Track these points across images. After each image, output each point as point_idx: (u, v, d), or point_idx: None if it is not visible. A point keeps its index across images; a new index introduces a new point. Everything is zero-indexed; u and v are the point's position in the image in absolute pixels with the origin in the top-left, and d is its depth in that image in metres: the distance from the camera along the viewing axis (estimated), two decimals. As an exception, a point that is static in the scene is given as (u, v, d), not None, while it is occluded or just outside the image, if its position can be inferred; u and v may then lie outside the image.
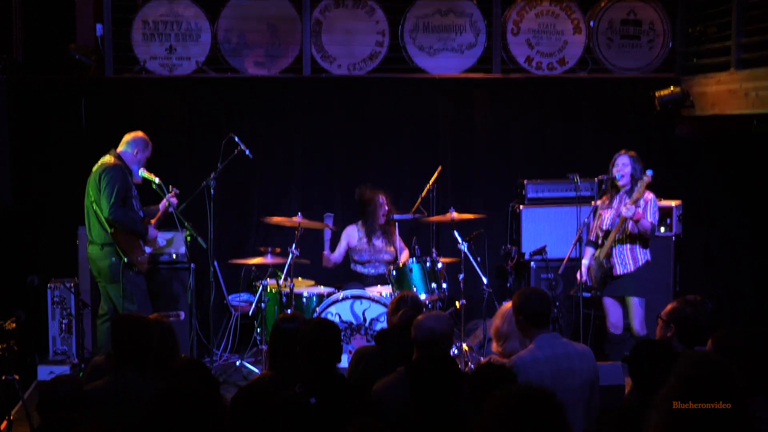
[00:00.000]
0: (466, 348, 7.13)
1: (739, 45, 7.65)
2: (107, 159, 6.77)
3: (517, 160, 8.58)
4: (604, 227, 6.69)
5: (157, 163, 7.35)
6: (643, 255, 6.66)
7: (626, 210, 6.37)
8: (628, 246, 6.63)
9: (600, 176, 7.42)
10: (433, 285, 7.01)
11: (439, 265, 7.08)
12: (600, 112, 8.60)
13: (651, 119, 8.45)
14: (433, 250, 7.38)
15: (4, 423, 5.58)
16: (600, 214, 6.79)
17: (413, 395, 3.71)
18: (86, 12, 8.25)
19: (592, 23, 8.63)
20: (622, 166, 6.59)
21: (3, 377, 5.63)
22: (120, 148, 6.86)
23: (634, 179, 6.57)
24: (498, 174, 8.55)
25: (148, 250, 6.82)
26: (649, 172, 6.40)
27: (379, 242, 7.64)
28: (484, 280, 7.17)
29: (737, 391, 2.71)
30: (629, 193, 6.58)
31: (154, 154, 7.99)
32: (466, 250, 7.14)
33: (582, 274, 6.81)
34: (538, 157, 8.59)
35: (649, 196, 6.55)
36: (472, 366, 6.94)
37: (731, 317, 7.60)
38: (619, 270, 6.63)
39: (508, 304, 4.68)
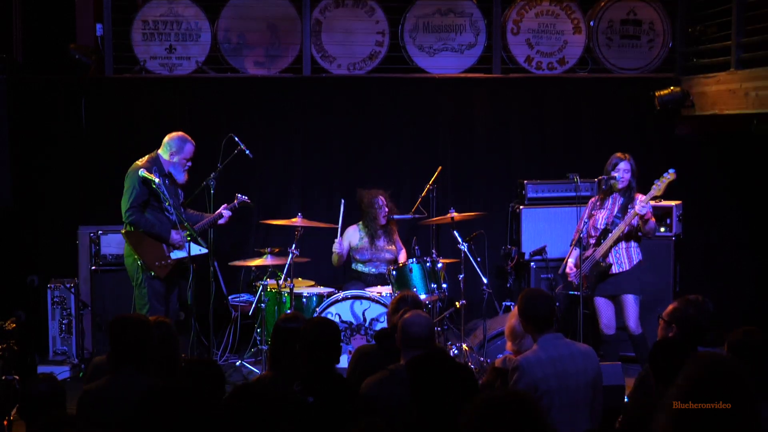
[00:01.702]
0: (466, 348, 7.13)
1: (739, 45, 7.65)
2: (140, 160, 6.72)
3: (517, 160, 8.58)
4: (599, 225, 6.75)
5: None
6: (637, 254, 6.74)
7: (640, 207, 6.44)
8: (624, 245, 6.70)
9: (600, 176, 7.44)
10: (433, 285, 7.01)
11: (439, 265, 7.08)
12: (600, 112, 8.60)
13: (651, 119, 8.45)
14: (433, 250, 7.38)
15: (5, 422, 5.58)
16: (593, 215, 6.83)
17: (414, 394, 3.71)
18: (86, 12, 8.25)
19: (592, 23, 8.63)
20: (624, 171, 6.69)
21: (3, 377, 5.63)
22: (159, 150, 6.81)
23: (632, 182, 6.68)
24: (498, 174, 8.55)
25: (174, 255, 6.73)
26: (671, 171, 6.47)
27: (380, 242, 7.65)
28: (484, 281, 7.17)
29: (745, 393, 2.71)
30: (623, 193, 6.67)
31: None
32: (466, 250, 7.13)
33: (570, 268, 6.85)
34: (538, 157, 8.59)
35: (643, 197, 6.61)
36: (473, 366, 6.93)
37: (731, 317, 7.59)
38: (615, 269, 6.69)
39: None
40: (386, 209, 7.58)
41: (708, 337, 4.38)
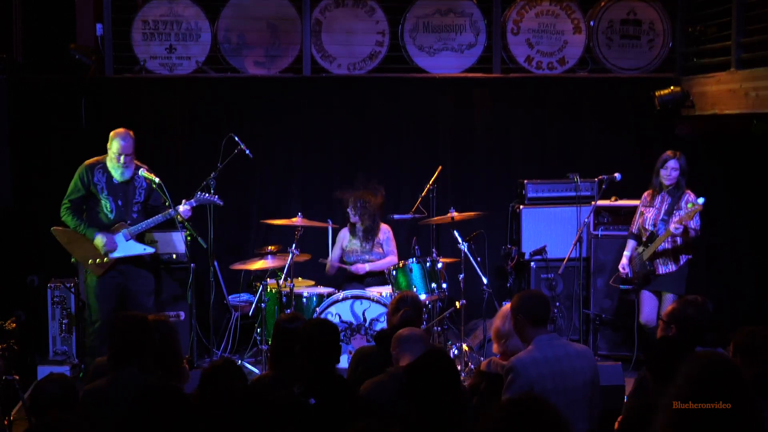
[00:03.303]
0: (466, 348, 7.13)
1: (739, 45, 7.65)
2: (90, 159, 6.80)
3: (517, 160, 8.58)
4: (647, 226, 6.98)
5: (158, 163, 7.35)
6: (684, 256, 6.97)
7: (674, 228, 6.67)
8: (671, 249, 6.91)
9: (600, 176, 7.46)
10: (433, 285, 7.01)
11: (439, 265, 7.07)
12: (600, 112, 8.61)
13: (651, 119, 8.45)
14: (433, 250, 7.38)
15: (5, 422, 5.58)
16: (642, 212, 7.08)
17: (413, 396, 3.71)
18: (86, 12, 8.25)
19: (592, 23, 8.62)
20: (672, 170, 6.89)
21: (3, 377, 5.63)
22: None
23: (680, 181, 6.89)
24: (498, 174, 8.55)
25: (112, 254, 6.68)
26: (701, 201, 6.66)
27: (367, 244, 7.58)
28: (484, 280, 7.17)
29: (744, 392, 2.71)
30: (671, 192, 6.89)
31: (154, 153, 7.98)
32: (466, 250, 7.13)
33: (624, 266, 7.10)
34: (538, 157, 8.59)
35: (692, 198, 6.84)
36: (473, 366, 6.93)
37: (731, 317, 7.60)
38: (661, 270, 6.94)
39: (508, 305, 4.69)
40: (356, 217, 7.52)
41: (707, 338, 4.38)
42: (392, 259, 7.56)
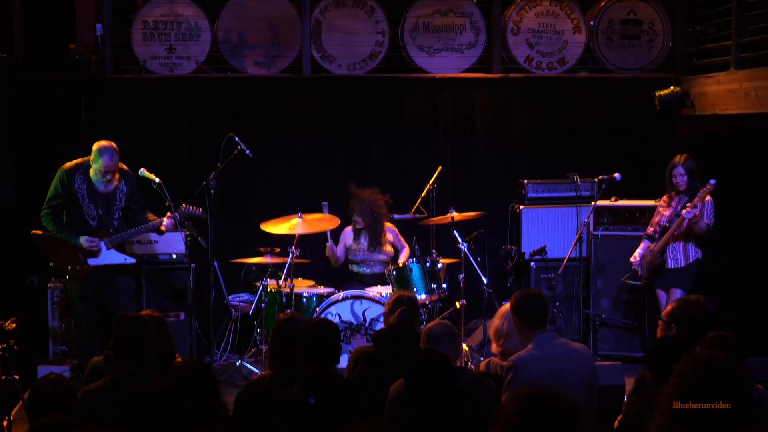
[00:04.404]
0: (466, 348, 7.13)
1: (738, 45, 7.65)
2: (68, 163, 6.68)
3: (517, 160, 8.58)
4: (663, 222, 7.11)
5: (158, 163, 7.36)
6: (694, 253, 7.07)
7: (686, 212, 6.79)
8: (682, 243, 7.03)
9: (600, 176, 7.47)
10: (433, 285, 7.01)
11: (439, 265, 7.08)
12: (600, 112, 8.60)
13: (651, 119, 8.45)
14: (433, 250, 7.38)
15: (5, 423, 5.58)
16: (659, 212, 7.20)
17: (410, 394, 3.72)
18: (86, 12, 8.25)
19: (592, 23, 8.62)
20: (680, 177, 7.01)
21: (3, 377, 5.63)
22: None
23: (692, 184, 6.98)
24: (498, 174, 8.55)
25: (92, 261, 6.62)
26: (712, 182, 6.77)
27: (373, 243, 7.58)
28: (484, 280, 7.17)
29: (744, 392, 2.71)
30: (686, 193, 6.99)
31: (154, 153, 7.99)
32: (466, 250, 7.13)
33: (635, 258, 7.21)
34: (538, 157, 8.59)
35: (708, 198, 6.90)
36: (472, 366, 6.94)
37: (731, 317, 7.59)
38: (671, 264, 7.06)
39: (507, 305, 4.69)
40: (362, 223, 7.53)
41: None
42: (407, 250, 7.68)
